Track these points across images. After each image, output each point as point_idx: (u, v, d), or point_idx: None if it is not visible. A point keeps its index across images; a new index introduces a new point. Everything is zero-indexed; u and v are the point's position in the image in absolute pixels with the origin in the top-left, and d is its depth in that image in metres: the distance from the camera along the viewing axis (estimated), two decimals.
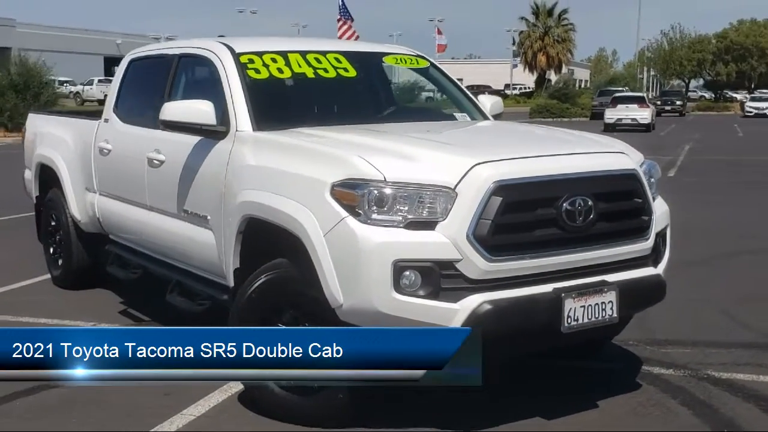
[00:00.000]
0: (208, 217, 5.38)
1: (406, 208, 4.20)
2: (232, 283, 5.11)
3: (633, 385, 5.30)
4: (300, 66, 5.76)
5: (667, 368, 5.62)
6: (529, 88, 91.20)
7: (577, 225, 4.38)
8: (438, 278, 4.17)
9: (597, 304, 4.43)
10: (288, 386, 4.69)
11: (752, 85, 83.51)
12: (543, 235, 4.35)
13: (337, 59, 5.93)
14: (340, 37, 31.99)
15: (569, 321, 4.35)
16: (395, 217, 4.19)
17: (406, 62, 6.28)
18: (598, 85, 76.20)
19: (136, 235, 6.44)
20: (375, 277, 4.15)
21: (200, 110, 5.30)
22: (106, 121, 6.91)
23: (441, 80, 6.40)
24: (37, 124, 8.59)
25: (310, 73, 5.77)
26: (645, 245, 4.74)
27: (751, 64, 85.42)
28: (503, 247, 4.23)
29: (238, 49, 5.76)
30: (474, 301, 4.17)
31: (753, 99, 59.01)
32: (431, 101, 6.66)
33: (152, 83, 6.57)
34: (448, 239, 4.17)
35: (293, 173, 4.60)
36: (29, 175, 8.62)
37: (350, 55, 6.03)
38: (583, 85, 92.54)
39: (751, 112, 54.61)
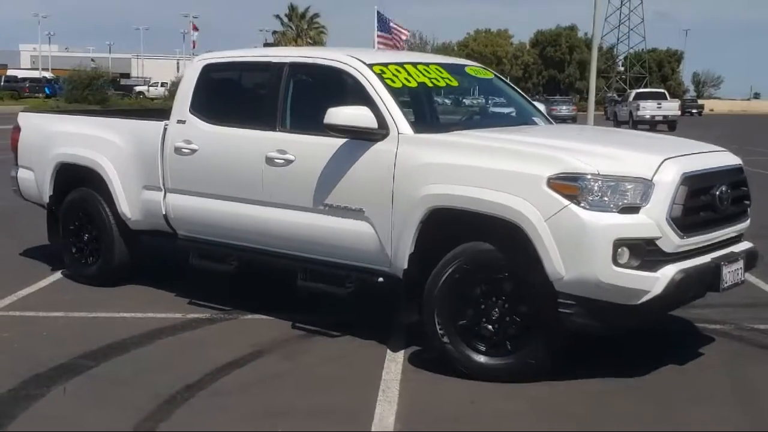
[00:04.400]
0: (364, 209, 6.07)
1: (617, 196, 5.22)
2: (405, 266, 5.86)
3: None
4: (418, 76, 6.56)
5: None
6: None
7: (723, 207, 5.64)
8: (644, 253, 5.23)
9: (736, 269, 5.71)
10: (486, 351, 5.56)
11: None
12: (705, 216, 5.57)
13: (438, 70, 6.78)
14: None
15: (724, 283, 5.58)
16: (610, 203, 5.20)
17: (479, 73, 7.23)
18: None
19: (238, 230, 6.89)
20: (599, 253, 5.15)
21: (363, 115, 6.00)
22: (181, 122, 7.27)
23: (506, 89, 7.40)
24: (43, 123, 8.62)
25: (428, 83, 6.60)
26: (747, 224, 6.10)
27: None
28: (688, 226, 5.38)
29: (367, 60, 6.46)
30: (670, 270, 5.28)
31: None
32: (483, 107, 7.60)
33: (253, 88, 7.08)
34: (652, 221, 5.24)
35: (498, 169, 5.46)
36: (29, 175, 8.63)
37: (446, 67, 6.91)
38: None
39: None
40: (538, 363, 5.48)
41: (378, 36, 28.00)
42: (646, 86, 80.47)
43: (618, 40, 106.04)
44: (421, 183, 5.73)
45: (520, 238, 5.32)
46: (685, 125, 46.74)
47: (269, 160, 6.56)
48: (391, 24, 28.57)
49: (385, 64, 6.49)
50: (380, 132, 6.02)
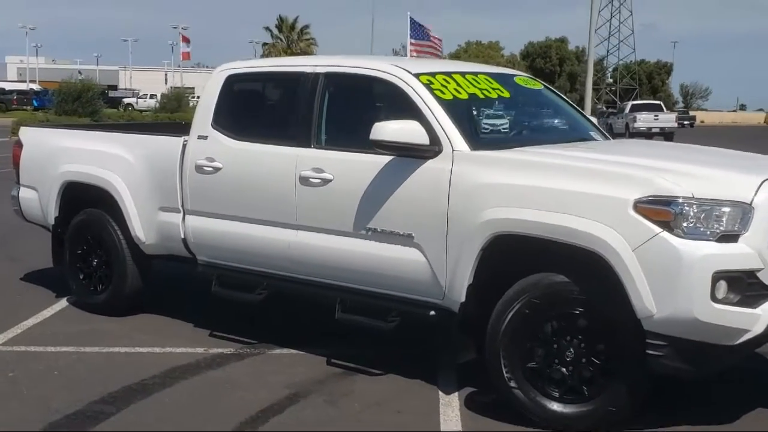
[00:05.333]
0: (413, 235, 5.45)
1: (714, 223, 4.60)
2: (462, 299, 5.23)
3: None
4: (468, 87, 5.94)
5: None
6: None
7: None
8: (744, 287, 4.61)
9: None
10: (560, 397, 4.93)
11: None
12: None
13: (487, 80, 6.17)
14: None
15: None
16: (707, 231, 4.58)
17: (528, 83, 6.61)
18: None
19: (268, 256, 6.26)
20: (696, 288, 4.52)
21: (413, 130, 5.39)
22: (203, 137, 6.63)
23: (556, 101, 6.78)
24: (48, 138, 7.97)
25: (480, 94, 5.98)
26: None
27: None
28: None
29: (413, 70, 5.85)
30: None
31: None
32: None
33: (283, 101, 6.46)
34: (753, 250, 4.61)
35: (575, 191, 4.83)
36: (32, 194, 7.98)
37: (495, 77, 6.30)
38: None
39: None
40: (620, 411, 4.84)
41: (412, 44, 25.92)
42: (636, 98, 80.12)
43: (608, 51, 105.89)
44: (482, 206, 5.10)
45: (602, 269, 4.70)
46: (683, 138, 46.24)
47: (304, 180, 5.93)
48: (428, 31, 26.65)
49: (433, 74, 5.88)
50: (432, 148, 5.40)
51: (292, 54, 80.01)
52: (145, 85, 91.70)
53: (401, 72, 5.77)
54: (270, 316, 7.21)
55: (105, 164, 7.21)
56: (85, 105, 36.98)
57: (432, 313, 5.49)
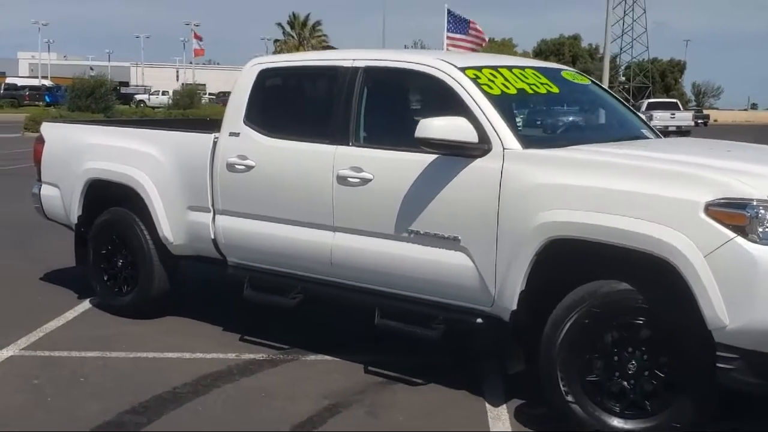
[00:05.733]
0: (459, 238, 5.16)
1: None
2: (513, 306, 4.94)
3: None
4: (516, 81, 5.65)
5: None
6: None
7: None
8: None
9: None
10: (621, 412, 4.64)
11: None
12: None
13: (535, 75, 5.87)
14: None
15: None
16: None
17: (576, 78, 6.31)
18: None
19: (303, 258, 5.98)
20: None
21: (461, 127, 5.10)
22: (234, 134, 6.35)
23: (604, 96, 6.46)
24: (71, 134, 7.70)
25: (528, 89, 5.68)
26: None
27: None
28: None
29: (458, 63, 5.56)
30: None
31: None
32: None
33: (319, 97, 6.18)
34: None
35: (640, 193, 4.53)
36: (54, 192, 7.72)
37: (542, 71, 6.01)
38: None
39: None
40: (685, 427, 4.53)
41: (449, 38, 24.33)
42: (649, 96, 79.63)
43: (621, 49, 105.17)
44: (537, 208, 4.80)
45: (669, 276, 4.39)
46: (702, 136, 45.89)
47: (341, 179, 5.64)
48: (470, 25, 24.77)
49: (479, 68, 5.58)
50: (480, 147, 5.11)
51: (304, 51, 79.88)
52: (156, 81, 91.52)
53: (446, 66, 5.48)
54: (300, 319, 6.91)
55: (131, 161, 6.94)
56: (99, 101, 36.83)
57: (479, 320, 5.21)
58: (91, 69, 59.30)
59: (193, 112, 41.64)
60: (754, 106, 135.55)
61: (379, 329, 5.63)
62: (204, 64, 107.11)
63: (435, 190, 5.25)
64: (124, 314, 7.15)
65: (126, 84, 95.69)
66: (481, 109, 5.20)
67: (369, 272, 5.65)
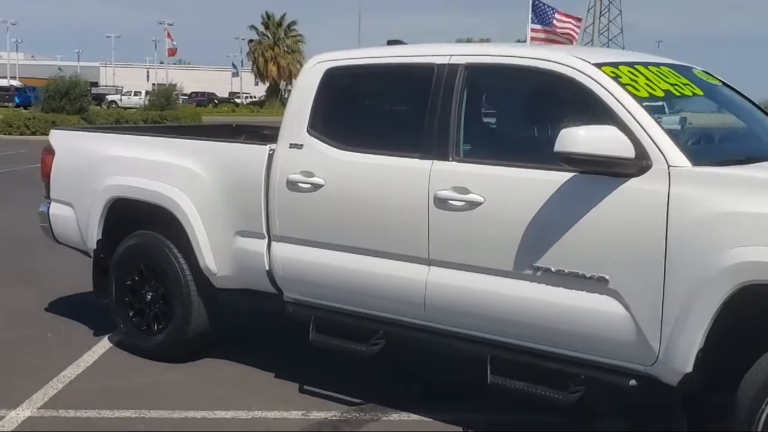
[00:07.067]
0: (608, 278, 4.11)
1: None
2: (687, 368, 3.90)
3: None
4: (659, 82, 4.61)
5: None
6: (255, 97, 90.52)
7: None
8: None
9: None
10: None
11: None
12: None
13: (673, 74, 4.85)
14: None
15: None
16: None
17: (710, 78, 5.27)
18: None
19: (389, 298, 4.91)
20: None
21: (614, 139, 4.07)
22: (296, 146, 5.27)
23: (738, 100, 5.43)
24: (88, 144, 6.57)
25: (674, 92, 4.66)
26: None
27: None
28: None
29: (592, 59, 4.51)
30: None
31: None
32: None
33: (406, 100, 5.11)
34: None
35: None
36: (67, 212, 6.59)
37: (677, 69, 4.97)
38: None
39: None
40: None
41: (533, 30, 21.32)
42: None
43: None
44: (724, 244, 3.77)
45: None
46: None
47: (441, 202, 4.58)
48: (557, 15, 21.63)
49: (615, 65, 4.55)
50: (638, 163, 4.06)
51: (280, 51, 78.49)
52: (126, 81, 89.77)
53: (579, 62, 4.43)
54: (367, 364, 5.78)
55: (164, 177, 5.83)
56: (73, 102, 35.36)
57: (632, 383, 4.15)
58: (60, 69, 57.65)
59: (170, 114, 40.35)
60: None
61: (493, 388, 4.55)
62: (174, 64, 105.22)
63: (572, 218, 4.21)
64: (154, 357, 6.05)
65: (95, 84, 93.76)
66: (633, 116, 4.17)
67: (476, 317, 4.60)
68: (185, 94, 78.04)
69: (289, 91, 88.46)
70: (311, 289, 5.31)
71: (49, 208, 6.73)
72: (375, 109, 5.45)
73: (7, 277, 8.57)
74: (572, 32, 22.25)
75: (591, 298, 4.19)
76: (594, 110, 4.27)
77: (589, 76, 4.34)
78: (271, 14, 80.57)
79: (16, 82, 69.69)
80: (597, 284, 4.16)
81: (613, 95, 4.25)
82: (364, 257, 4.99)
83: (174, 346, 5.98)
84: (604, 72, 4.38)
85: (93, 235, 6.25)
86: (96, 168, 6.23)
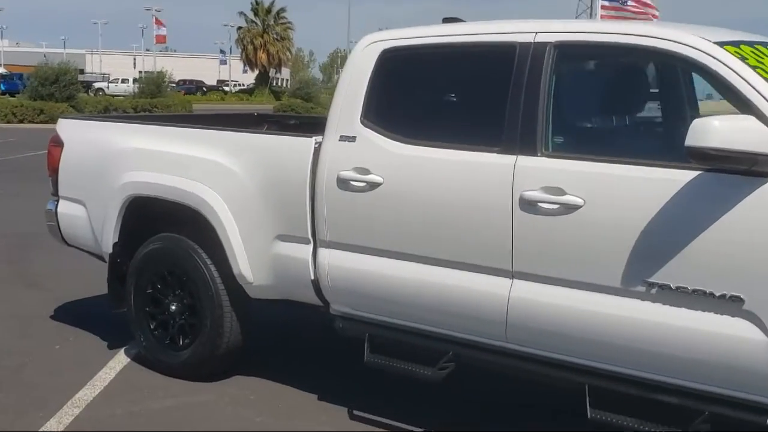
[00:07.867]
0: (743, 298, 3.45)
1: None
2: None
3: None
4: None
5: None
6: (243, 85, 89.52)
7: None
8: None
9: None
10: None
11: None
12: None
13: None
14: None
15: None
16: None
17: None
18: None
19: (463, 315, 4.24)
20: None
21: (755, 130, 3.39)
22: (348, 139, 4.58)
23: None
24: (101, 135, 5.85)
25: None
26: None
27: None
28: None
29: (712, 37, 3.84)
30: None
31: None
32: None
33: (482, 86, 4.42)
34: None
35: None
36: (78, 211, 5.90)
37: None
38: (285, 84, 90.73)
39: None
40: None
41: (604, 7, 19.76)
42: None
43: None
44: None
45: None
46: None
47: (528, 205, 3.91)
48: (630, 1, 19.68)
49: (737, 44, 3.87)
50: None
51: (269, 38, 77.51)
52: (113, 69, 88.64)
53: (699, 41, 3.75)
54: (428, 385, 5.10)
55: (192, 173, 5.14)
56: (63, 89, 34.56)
57: None
58: (45, 56, 56.70)
59: (160, 101, 39.60)
60: (710, 96, 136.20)
61: (591, 423, 3.89)
62: (161, 51, 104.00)
63: (696, 225, 3.56)
64: (180, 374, 5.38)
65: (82, 72, 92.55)
66: None
67: (573, 340, 3.92)
68: (173, 82, 77.13)
69: (278, 78, 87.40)
70: (364, 302, 4.63)
71: (57, 206, 6.02)
72: (441, 95, 4.75)
73: (7, 277, 7.85)
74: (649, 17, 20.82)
75: (721, 320, 3.54)
76: (722, 98, 3.60)
77: (714, 57, 3.68)
78: (260, 1, 79.52)
79: (2, 69, 68.53)
80: (729, 304, 3.50)
81: (745, 80, 3.59)
82: (429, 267, 4.32)
83: (202, 363, 5.31)
84: (728, 52, 3.69)
85: (108, 237, 5.56)
86: (112, 162, 5.54)
